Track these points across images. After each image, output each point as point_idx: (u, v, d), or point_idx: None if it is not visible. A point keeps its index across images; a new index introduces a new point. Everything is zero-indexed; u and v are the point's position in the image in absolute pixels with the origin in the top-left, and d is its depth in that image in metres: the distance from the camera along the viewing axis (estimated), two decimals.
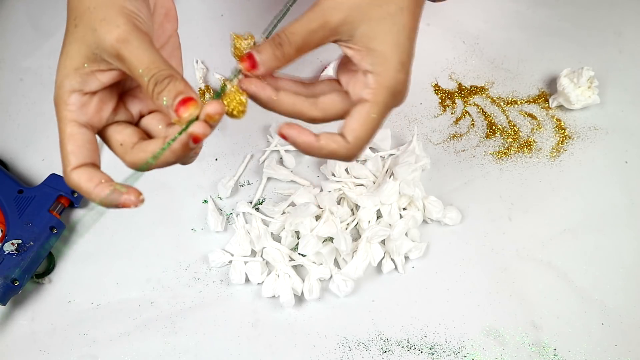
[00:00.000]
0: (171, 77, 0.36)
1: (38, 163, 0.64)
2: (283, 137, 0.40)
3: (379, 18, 0.39)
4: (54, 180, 0.60)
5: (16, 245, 0.55)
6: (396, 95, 0.41)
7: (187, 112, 0.35)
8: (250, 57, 0.39)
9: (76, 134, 0.38)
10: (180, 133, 0.36)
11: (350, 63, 0.42)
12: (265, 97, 0.40)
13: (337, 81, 0.43)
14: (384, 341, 0.54)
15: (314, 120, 0.41)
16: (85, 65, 0.37)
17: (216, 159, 0.64)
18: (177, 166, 0.63)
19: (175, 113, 0.36)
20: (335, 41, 0.40)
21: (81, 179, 0.38)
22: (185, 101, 0.36)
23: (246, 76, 0.40)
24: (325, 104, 0.41)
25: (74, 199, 0.59)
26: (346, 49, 0.40)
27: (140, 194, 0.38)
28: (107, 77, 0.38)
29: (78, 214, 0.61)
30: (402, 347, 0.54)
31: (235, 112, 0.39)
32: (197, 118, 0.36)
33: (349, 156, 0.40)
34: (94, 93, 0.38)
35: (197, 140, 0.36)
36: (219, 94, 0.39)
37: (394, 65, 0.40)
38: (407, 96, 0.42)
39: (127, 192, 0.37)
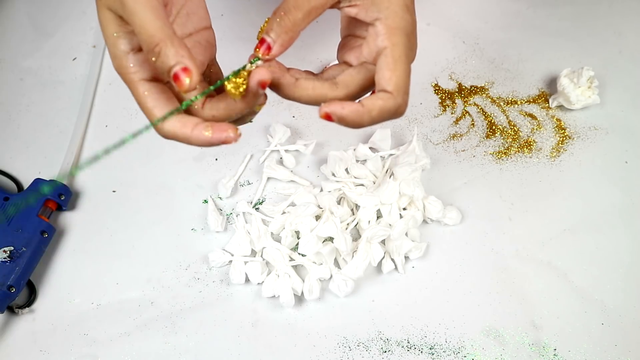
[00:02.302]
0: (160, 45, 0.36)
1: (38, 163, 0.64)
2: (327, 117, 0.38)
3: None
4: (40, 185, 0.60)
5: (8, 252, 0.55)
6: (409, 35, 0.40)
7: (186, 84, 0.36)
8: (262, 41, 0.39)
9: (148, 89, 0.39)
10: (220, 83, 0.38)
11: (352, 40, 0.42)
12: (286, 82, 0.39)
13: (344, 63, 0.43)
14: (384, 341, 0.54)
15: (337, 98, 0.40)
16: (120, 26, 0.38)
17: (216, 159, 0.64)
18: (177, 166, 0.63)
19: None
20: (337, 3, 0.40)
21: (175, 128, 0.38)
22: (180, 74, 0.36)
23: (266, 61, 0.39)
24: (345, 81, 0.40)
25: (61, 202, 0.59)
26: (349, 9, 0.40)
27: (237, 128, 0.38)
28: None
29: (67, 216, 0.61)
30: (402, 347, 0.54)
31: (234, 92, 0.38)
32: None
33: (397, 105, 0.39)
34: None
35: (264, 85, 0.37)
36: (228, 78, 0.39)
37: (400, 7, 0.39)
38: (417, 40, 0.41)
39: (225, 129, 0.37)
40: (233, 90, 0.38)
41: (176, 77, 0.36)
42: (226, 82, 0.38)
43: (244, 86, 0.38)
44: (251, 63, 0.39)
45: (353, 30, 0.43)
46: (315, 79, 0.40)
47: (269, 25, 0.39)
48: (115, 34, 0.38)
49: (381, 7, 0.39)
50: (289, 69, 0.41)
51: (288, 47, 0.40)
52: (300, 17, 0.39)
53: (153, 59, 0.36)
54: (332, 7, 0.40)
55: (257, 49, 0.39)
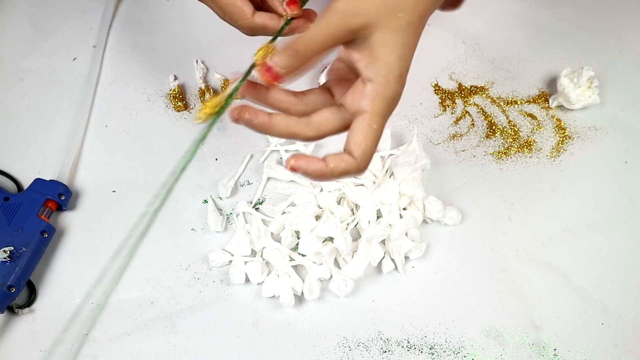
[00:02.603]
0: None
1: (38, 163, 0.64)
2: (293, 170, 0.40)
3: (392, 29, 0.40)
4: (40, 184, 0.60)
5: (8, 252, 0.55)
6: (391, 106, 0.42)
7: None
8: (268, 69, 0.40)
9: None
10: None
11: (344, 71, 0.43)
12: (259, 123, 0.41)
13: (327, 90, 0.44)
14: (384, 341, 0.54)
15: (308, 139, 0.42)
16: None
17: (216, 159, 0.64)
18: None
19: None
20: (347, 43, 0.41)
21: (265, 19, 0.47)
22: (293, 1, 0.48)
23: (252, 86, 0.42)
24: (319, 123, 0.42)
25: (61, 202, 0.59)
26: (354, 53, 0.41)
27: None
28: None
29: (67, 216, 0.61)
30: (402, 347, 0.54)
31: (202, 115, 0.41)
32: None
33: (359, 170, 0.41)
34: None
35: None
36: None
37: (395, 77, 0.41)
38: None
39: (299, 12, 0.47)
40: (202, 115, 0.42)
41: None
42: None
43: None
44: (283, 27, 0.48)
45: (348, 59, 0.43)
46: (290, 117, 0.42)
47: (281, 56, 0.40)
48: None
49: (379, 71, 0.40)
50: (268, 90, 0.42)
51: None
52: (311, 56, 0.40)
53: None
54: (344, 43, 0.42)
55: (262, 75, 0.40)
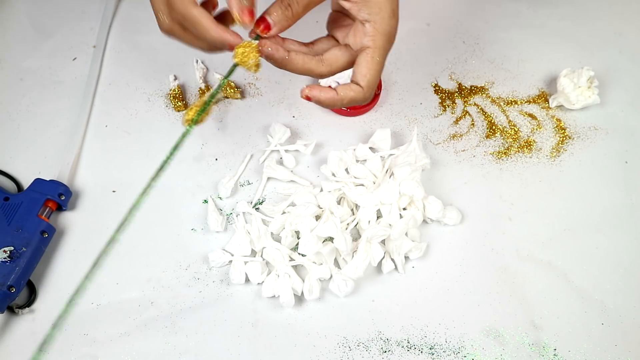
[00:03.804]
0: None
1: (38, 163, 0.64)
2: (307, 98, 0.47)
3: None
4: (40, 184, 0.60)
5: (8, 252, 0.55)
6: (390, 39, 0.47)
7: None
8: (263, 19, 0.45)
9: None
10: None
11: (342, 18, 0.49)
12: (279, 57, 0.45)
13: (332, 37, 0.50)
14: (384, 341, 0.54)
15: (321, 75, 0.48)
16: None
17: (216, 159, 0.64)
18: (177, 166, 0.63)
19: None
20: None
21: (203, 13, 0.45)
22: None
23: (261, 39, 0.46)
24: (330, 60, 0.47)
25: (61, 202, 0.59)
26: (344, 2, 0.46)
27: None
28: None
29: (67, 216, 0.61)
30: (402, 347, 0.54)
31: (252, 64, 0.45)
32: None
33: (365, 99, 0.48)
34: None
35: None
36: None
37: (388, 13, 0.46)
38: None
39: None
40: (245, 60, 0.45)
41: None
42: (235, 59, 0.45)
43: (256, 58, 0.45)
44: (255, 39, 0.46)
45: (342, 9, 0.48)
46: (305, 54, 0.47)
47: (272, 9, 0.45)
48: None
49: (372, 10, 0.46)
50: (284, 40, 0.47)
51: (283, 31, 0.46)
52: (300, 10, 0.45)
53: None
54: None
55: (257, 27, 0.45)
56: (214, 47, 0.46)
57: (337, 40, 0.50)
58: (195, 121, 0.45)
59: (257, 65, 0.45)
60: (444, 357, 0.53)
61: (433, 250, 0.58)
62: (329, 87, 0.47)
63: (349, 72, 0.49)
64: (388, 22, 0.46)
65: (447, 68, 0.69)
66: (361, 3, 0.46)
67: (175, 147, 0.46)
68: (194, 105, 0.46)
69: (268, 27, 0.45)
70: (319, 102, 0.47)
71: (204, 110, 0.45)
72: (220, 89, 0.48)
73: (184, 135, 0.46)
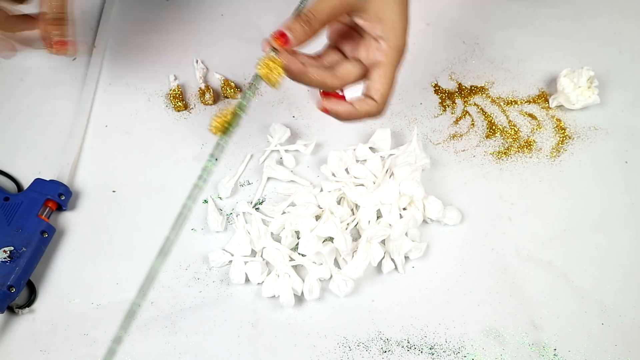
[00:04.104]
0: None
1: (38, 163, 0.64)
2: (326, 111, 0.48)
3: None
4: (40, 184, 0.59)
5: (8, 252, 0.55)
6: (402, 54, 0.49)
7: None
8: (282, 35, 0.46)
9: None
10: None
11: (350, 32, 0.50)
12: (297, 70, 0.46)
13: (336, 48, 0.51)
14: (384, 341, 0.54)
15: (333, 87, 0.49)
16: None
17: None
18: (177, 166, 0.63)
19: None
20: (348, 13, 0.48)
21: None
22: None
23: (278, 52, 0.46)
24: (343, 74, 0.49)
25: (61, 202, 0.59)
26: (358, 19, 0.48)
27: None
28: None
29: (67, 216, 0.61)
30: (402, 347, 0.54)
31: (275, 81, 0.45)
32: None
33: (379, 112, 0.49)
34: None
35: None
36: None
37: (401, 31, 0.49)
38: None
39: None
40: (271, 73, 0.45)
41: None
42: (259, 69, 0.45)
43: (281, 74, 0.46)
44: (271, 51, 0.46)
45: (353, 24, 0.50)
46: (319, 68, 0.48)
47: (292, 25, 0.45)
48: None
49: (386, 28, 0.48)
50: (296, 53, 0.47)
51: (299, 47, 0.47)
52: (318, 27, 0.46)
53: None
54: (346, 13, 0.48)
55: (276, 41, 0.45)
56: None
57: (342, 53, 0.51)
58: (225, 132, 0.46)
59: (279, 82, 0.46)
60: (444, 357, 0.53)
61: (433, 250, 0.58)
62: (344, 99, 0.49)
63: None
64: (400, 40, 0.49)
65: (447, 68, 0.69)
66: (375, 20, 0.48)
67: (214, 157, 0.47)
68: (222, 114, 0.46)
69: (287, 43, 0.45)
70: (337, 115, 0.48)
71: (234, 122, 0.46)
72: (249, 101, 0.47)
73: (219, 147, 0.47)
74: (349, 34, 0.51)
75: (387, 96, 0.49)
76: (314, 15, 0.46)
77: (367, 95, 0.49)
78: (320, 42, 0.51)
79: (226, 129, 0.46)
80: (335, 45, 0.52)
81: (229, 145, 0.65)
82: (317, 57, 0.51)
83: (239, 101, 0.46)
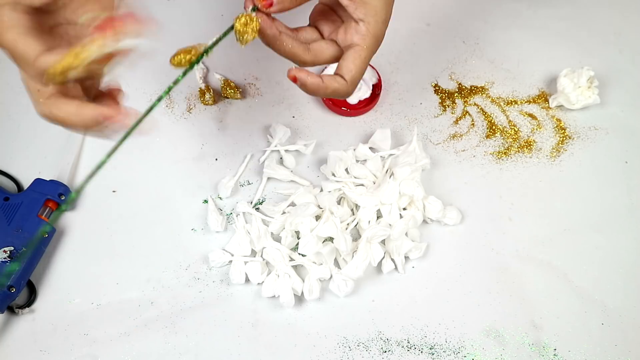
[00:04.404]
0: None
1: (38, 163, 0.64)
2: (294, 79, 0.46)
3: None
4: (40, 184, 0.60)
5: (8, 252, 0.55)
6: (379, 42, 0.48)
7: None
8: None
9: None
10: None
11: (329, 13, 0.50)
12: (271, 33, 0.46)
13: (316, 28, 0.50)
14: (384, 341, 0.54)
15: (305, 63, 0.48)
16: None
17: (216, 159, 0.64)
18: (177, 166, 0.63)
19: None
20: None
21: (49, 58, 0.38)
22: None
23: (258, 12, 0.45)
24: (316, 51, 0.48)
25: (61, 202, 0.59)
26: None
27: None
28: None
29: (67, 216, 0.61)
30: (402, 347, 0.54)
31: (246, 40, 0.45)
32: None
33: (347, 92, 0.48)
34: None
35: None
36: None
37: (382, 19, 0.47)
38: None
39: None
40: (245, 29, 0.44)
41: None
42: (237, 24, 0.45)
43: (254, 31, 0.45)
44: (252, 10, 0.45)
45: (334, 3, 0.49)
46: (294, 39, 0.48)
47: None
48: None
49: (368, 12, 0.47)
50: (273, 19, 0.46)
51: (282, 12, 0.46)
52: None
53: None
54: None
55: (260, 0, 0.44)
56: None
57: (320, 33, 0.51)
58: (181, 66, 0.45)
59: (249, 42, 0.45)
60: (444, 357, 0.53)
61: (433, 250, 0.58)
62: (315, 74, 0.47)
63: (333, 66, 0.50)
64: (380, 27, 0.48)
65: (447, 68, 0.69)
66: (359, 3, 0.47)
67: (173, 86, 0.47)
68: (186, 51, 0.46)
69: (270, 3, 0.45)
70: (304, 86, 0.47)
71: (194, 63, 0.45)
72: (213, 47, 0.47)
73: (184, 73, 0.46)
74: (329, 15, 0.50)
75: (357, 78, 0.48)
76: None
77: (337, 73, 0.48)
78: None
79: (183, 65, 0.46)
80: (314, 25, 0.51)
81: (229, 146, 0.65)
82: (295, 30, 0.50)
83: (207, 46, 0.45)
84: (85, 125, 0.42)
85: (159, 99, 0.42)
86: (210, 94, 0.66)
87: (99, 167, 0.42)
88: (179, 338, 0.55)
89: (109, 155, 0.42)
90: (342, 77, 0.48)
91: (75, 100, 0.41)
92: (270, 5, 0.45)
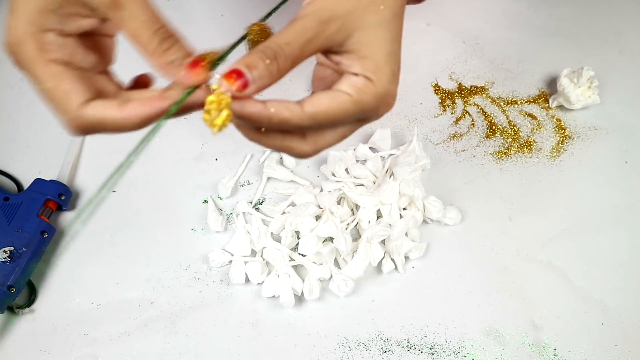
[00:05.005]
0: (177, 36, 0.34)
1: (38, 163, 0.64)
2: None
3: (375, 25, 0.36)
4: (40, 184, 0.60)
5: (8, 252, 0.55)
6: (383, 106, 0.36)
7: (195, 76, 0.34)
8: (238, 74, 0.33)
9: (65, 72, 0.33)
10: (188, 94, 0.33)
11: (332, 79, 0.38)
12: (255, 111, 0.34)
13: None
14: (384, 341, 0.54)
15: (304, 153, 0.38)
16: (61, 3, 0.33)
17: (216, 159, 0.64)
18: (177, 166, 0.63)
19: (180, 73, 0.33)
20: (326, 51, 0.36)
21: (101, 111, 0.33)
22: (196, 63, 0.34)
23: (233, 97, 0.33)
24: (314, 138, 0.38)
25: (61, 202, 0.59)
26: (335, 56, 0.37)
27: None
28: (86, 23, 0.34)
29: (67, 216, 0.61)
30: (402, 347, 0.54)
31: (219, 127, 0.34)
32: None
33: (301, 124, 0.35)
34: (68, 36, 0.34)
35: (202, 105, 0.33)
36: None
37: (387, 76, 0.36)
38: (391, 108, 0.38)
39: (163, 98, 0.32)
40: (219, 128, 0.34)
41: (195, 63, 0.34)
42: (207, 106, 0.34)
43: (226, 117, 0.33)
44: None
45: (331, 62, 0.38)
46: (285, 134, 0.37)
47: (252, 60, 0.33)
48: (53, 6, 0.33)
49: (367, 68, 0.35)
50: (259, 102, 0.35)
51: (262, 91, 0.35)
52: (288, 66, 0.34)
53: (160, 44, 0.33)
54: (322, 51, 0.37)
55: (229, 81, 0.33)
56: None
57: None
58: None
59: (223, 125, 0.34)
60: (444, 357, 0.53)
61: (433, 250, 0.58)
62: (256, 100, 0.34)
63: None
64: (386, 86, 0.36)
65: (447, 68, 0.69)
66: (354, 57, 0.35)
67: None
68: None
69: (245, 84, 0.33)
70: (240, 116, 0.34)
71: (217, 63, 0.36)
72: (227, 53, 0.38)
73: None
74: (330, 80, 0.39)
75: (323, 119, 0.35)
76: (282, 50, 0.33)
77: (298, 101, 0.35)
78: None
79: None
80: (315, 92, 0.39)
81: (229, 146, 0.65)
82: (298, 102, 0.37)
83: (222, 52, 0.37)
84: (136, 125, 0.36)
85: (178, 103, 0.34)
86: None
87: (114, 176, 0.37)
88: (179, 338, 0.55)
89: (120, 167, 0.37)
90: (299, 105, 0.35)
91: (113, 100, 0.34)
92: (245, 86, 0.33)
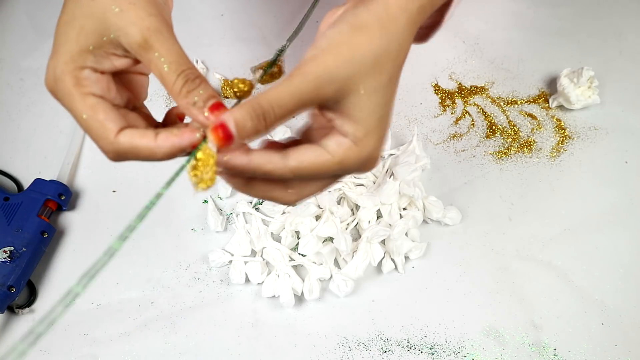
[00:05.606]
0: (202, 78, 0.35)
1: (38, 163, 0.64)
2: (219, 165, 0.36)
3: (372, 91, 0.35)
4: (40, 184, 0.60)
5: (8, 252, 0.55)
6: (365, 167, 0.37)
7: (216, 117, 0.34)
8: (224, 128, 0.33)
9: (100, 103, 0.35)
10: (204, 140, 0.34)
11: (316, 130, 0.39)
12: (241, 163, 0.35)
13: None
14: (384, 341, 0.54)
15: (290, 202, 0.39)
16: (97, 44, 0.35)
17: None
18: (177, 166, 0.63)
19: (202, 115, 0.34)
20: (318, 107, 0.36)
21: (134, 138, 0.35)
22: (218, 106, 0.35)
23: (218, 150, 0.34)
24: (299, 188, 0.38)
25: (61, 202, 0.59)
26: (327, 113, 0.36)
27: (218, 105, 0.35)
28: (120, 63, 0.37)
29: (67, 216, 0.61)
30: (402, 347, 0.54)
31: (206, 185, 0.34)
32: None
33: (282, 176, 0.35)
34: (103, 73, 0.36)
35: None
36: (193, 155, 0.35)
37: (375, 141, 0.36)
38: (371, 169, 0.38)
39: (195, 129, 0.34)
40: (198, 177, 0.35)
41: (217, 106, 0.35)
42: (190, 169, 0.35)
43: (211, 174, 0.34)
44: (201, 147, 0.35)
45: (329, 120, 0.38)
46: (277, 187, 0.37)
47: (241, 116, 0.33)
48: (91, 47, 0.35)
49: (356, 131, 0.35)
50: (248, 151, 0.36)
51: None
52: (276, 123, 0.34)
53: (184, 85, 0.34)
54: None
55: (214, 135, 0.33)
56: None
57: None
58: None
59: (211, 181, 0.34)
60: (444, 357, 0.53)
61: (433, 250, 0.58)
62: (240, 152, 0.35)
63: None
64: (370, 151, 0.36)
65: (447, 68, 0.69)
66: (346, 118, 0.35)
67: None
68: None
69: (229, 138, 0.33)
70: (226, 167, 0.35)
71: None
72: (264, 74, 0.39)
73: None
74: (314, 132, 0.39)
75: (305, 174, 0.35)
76: (272, 110, 0.33)
77: (284, 152, 0.35)
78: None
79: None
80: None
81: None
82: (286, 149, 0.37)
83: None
84: (167, 155, 0.37)
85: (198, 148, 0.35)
86: None
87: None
88: (179, 338, 0.55)
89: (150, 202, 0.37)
90: (284, 157, 0.35)
91: (148, 130, 0.36)
92: (228, 139, 0.33)
